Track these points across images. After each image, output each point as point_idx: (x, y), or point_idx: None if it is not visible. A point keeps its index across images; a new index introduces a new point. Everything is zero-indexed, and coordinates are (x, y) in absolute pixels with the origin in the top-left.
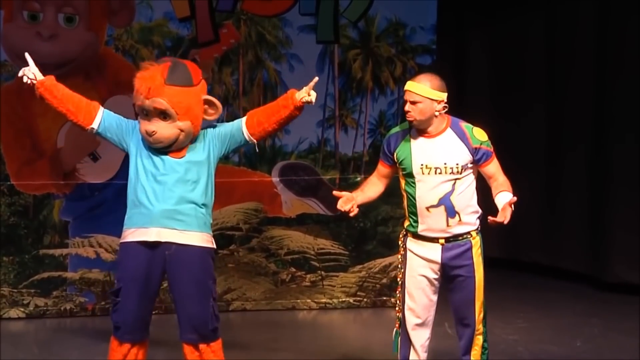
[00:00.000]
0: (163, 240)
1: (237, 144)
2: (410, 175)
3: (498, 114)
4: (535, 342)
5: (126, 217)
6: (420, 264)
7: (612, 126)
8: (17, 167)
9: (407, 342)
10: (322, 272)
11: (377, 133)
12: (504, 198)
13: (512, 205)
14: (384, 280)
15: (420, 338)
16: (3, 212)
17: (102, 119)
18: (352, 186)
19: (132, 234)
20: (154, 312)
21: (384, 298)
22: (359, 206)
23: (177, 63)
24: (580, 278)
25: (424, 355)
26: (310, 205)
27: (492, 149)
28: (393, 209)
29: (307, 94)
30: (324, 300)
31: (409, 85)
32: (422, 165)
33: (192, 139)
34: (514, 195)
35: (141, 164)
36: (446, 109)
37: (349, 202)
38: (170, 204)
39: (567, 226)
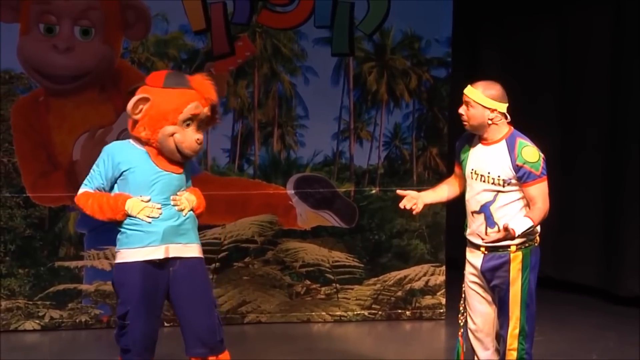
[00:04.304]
0: (171, 256)
1: None
2: (465, 177)
3: (512, 125)
4: (552, 356)
5: (122, 236)
6: (469, 270)
7: (626, 137)
8: (32, 180)
9: (471, 350)
10: (337, 285)
11: (392, 146)
12: (516, 222)
13: (510, 232)
14: (399, 293)
15: (480, 347)
16: (19, 224)
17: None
18: (366, 199)
19: (137, 254)
20: (168, 324)
21: (399, 311)
22: (429, 205)
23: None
24: (593, 291)
25: None
26: (325, 218)
27: (538, 172)
28: (408, 222)
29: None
30: (338, 313)
31: (466, 89)
32: (472, 170)
33: None
34: (532, 226)
35: (138, 181)
36: (505, 119)
37: (412, 200)
38: (176, 220)
39: (579, 240)
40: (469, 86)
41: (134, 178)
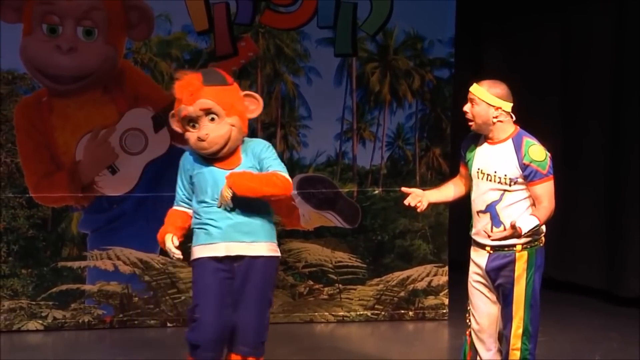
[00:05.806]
0: (233, 254)
1: None
2: (471, 177)
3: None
4: (554, 356)
5: (193, 235)
6: (473, 270)
7: (629, 136)
8: (35, 180)
9: (475, 350)
10: (340, 285)
11: (395, 146)
12: (523, 220)
13: (517, 230)
14: (402, 294)
15: (483, 347)
16: (22, 225)
17: (185, 203)
18: (369, 199)
19: (201, 250)
20: (171, 325)
21: (402, 311)
22: (433, 204)
23: (209, 68)
24: (595, 292)
25: None
26: (327, 218)
27: (545, 171)
28: (411, 222)
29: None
30: (341, 313)
31: (471, 87)
32: (478, 169)
33: (243, 147)
34: (538, 225)
35: (200, 183)
36: (510, 118)
37: (416, 197)
38: (236, 218)
39: (582, 241)
40: (474, 84)
41: (197, 181)
